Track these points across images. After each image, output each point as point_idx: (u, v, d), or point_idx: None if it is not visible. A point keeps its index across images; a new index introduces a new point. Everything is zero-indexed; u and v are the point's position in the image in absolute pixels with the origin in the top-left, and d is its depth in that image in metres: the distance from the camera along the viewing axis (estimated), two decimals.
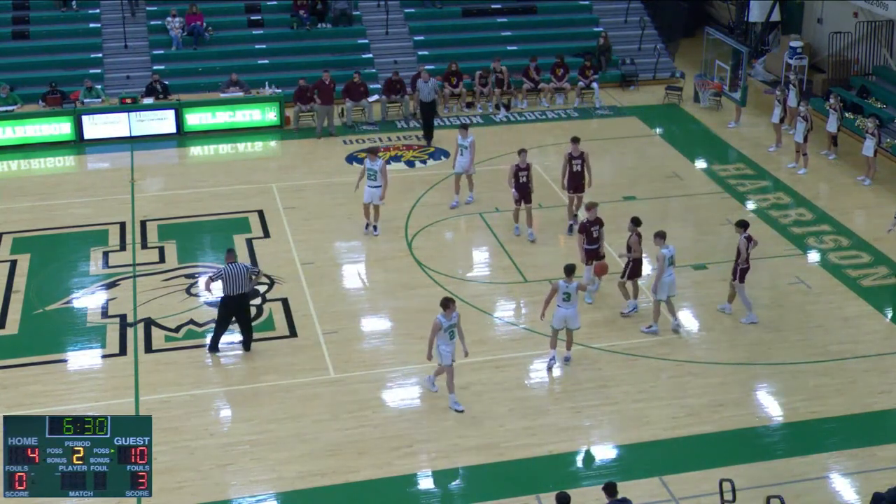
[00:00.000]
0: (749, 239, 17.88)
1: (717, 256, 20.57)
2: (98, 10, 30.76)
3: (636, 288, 18.44)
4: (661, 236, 17.63)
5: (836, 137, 25.51)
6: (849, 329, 18.11)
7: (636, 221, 18.16)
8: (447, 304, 15.48)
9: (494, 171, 24.29)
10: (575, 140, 21.19)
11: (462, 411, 15.67)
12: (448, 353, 15.60)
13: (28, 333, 18.03)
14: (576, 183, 21.02)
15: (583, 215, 19.19)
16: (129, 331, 17.92)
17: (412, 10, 32.31)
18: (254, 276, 17.87)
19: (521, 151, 21.04)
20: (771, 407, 16.09)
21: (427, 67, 29.13)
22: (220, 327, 17.15)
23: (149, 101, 27.07)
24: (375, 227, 21.26)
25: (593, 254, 18.62)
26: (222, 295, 16.86)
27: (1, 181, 24.78)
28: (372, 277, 20.07)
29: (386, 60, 30.42)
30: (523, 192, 20.85)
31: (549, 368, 16.76)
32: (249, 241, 21.12)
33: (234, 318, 17.15)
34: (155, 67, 28.96)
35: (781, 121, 26.08)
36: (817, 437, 15.26)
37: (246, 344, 17.25)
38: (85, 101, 26.77)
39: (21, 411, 15.23)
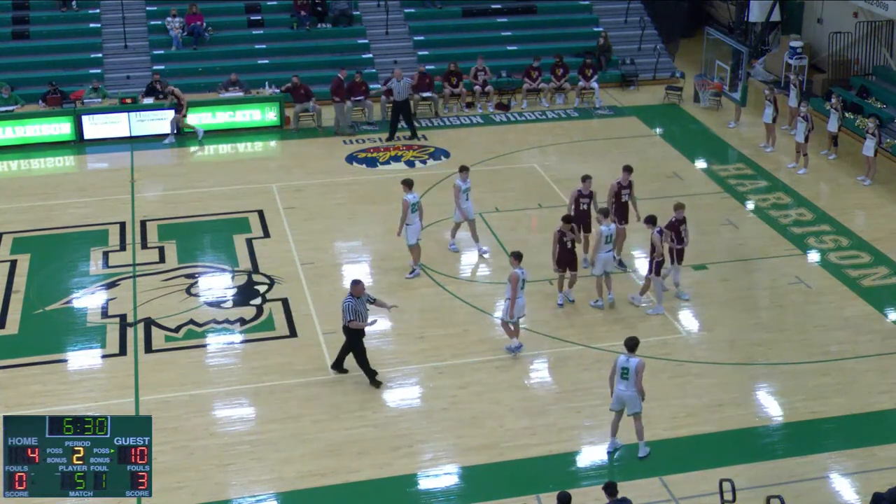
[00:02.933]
0: (661, 232, 18.14)
1: (717, 256, 20.58)
2: (98, 10, 30.77)
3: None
4: (603, 213, 18.42)
5: (837, 137, 25.51)
6: (849, 329, 18.11)
7: (652, 220, 18.25)
8: (519, 256, 16.75)
9: (494, 172, 24.31)
10: (627, 169, 19.71)
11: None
12: (523, 304, 16.86)
13: (28, 333, 18.03)
14: (623, 213, 19.75)
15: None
16: (129, 331, 17.92)
17: (412, 10, 32.32)
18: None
19: (586, 178, 19.60)
20: (771, 407, 16.09)
21: (427, 67, 29.19)
22: (361, 355, 16.41)
23: (149, 101, 27.07)
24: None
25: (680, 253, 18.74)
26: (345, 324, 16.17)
27: (1, 181, 24.78)
28: (372, 277, 20.06)
29: (386, 60, 30.43)
30: (583, 220, 19.42)
31: (610, 453, 15.02)
32: (249, 241, 21.12)
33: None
34: (155, 67, 28.96)
35: (774, 120, 26.08)
36: (817, 437, 15.26)
37: (338, 363, 16.65)
38: (86, 101, 26.76)
39: (21, 411, 15.24)
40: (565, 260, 18.34)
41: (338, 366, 16.64)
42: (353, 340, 16.26)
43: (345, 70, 27.59)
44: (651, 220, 18.27)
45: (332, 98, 27.16)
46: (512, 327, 17.18)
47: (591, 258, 18.52)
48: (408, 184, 19.54)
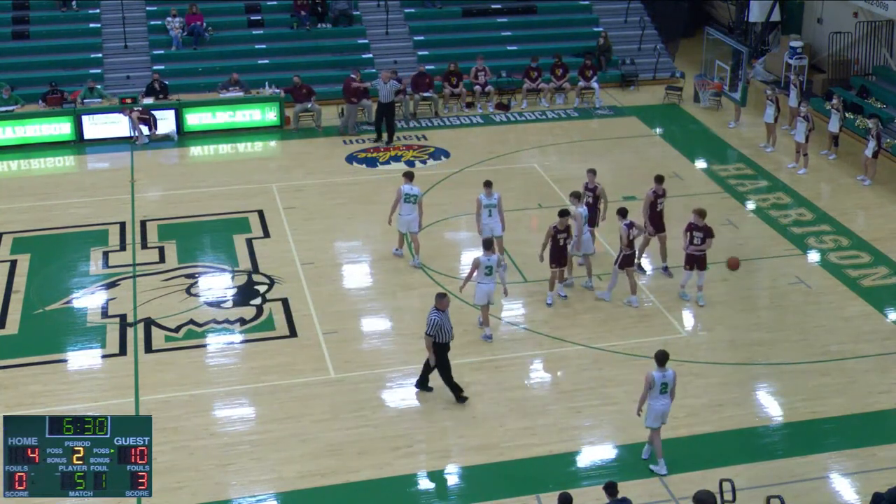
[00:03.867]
0: (629, 226, 18.28)
1: (717, 256, 20.54)
2: (98, 10, 30.78)
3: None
4: (575, 196, 19.09)
5: (838, 138, 25.51)
6: (849, 329, 18.11)
7: (623, 212, 18.52)
8: (488, 245, 17.40)
9: (494, 171, 24.29)
10: (659, 179, 19.64)
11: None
12: (486, 292, 17.35)
13: (28, 333, 18.03)
14: (658, 222, 19.62)
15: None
16: (129, 331, 17.92)
17: (412, 10, 32.32)
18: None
19: (659, 178, 19.62)
20: (771, 407, 16.10)
21: (427, 67, 29.18)
22: (445, 371, 15.97)
23: (149, 101, 27.07)
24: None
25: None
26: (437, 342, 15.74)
27: (1, 181, 24.78)
28: (372, 277, 20.06)
29: (386, 60, 30.42)
30: (658, 222, 19.58)
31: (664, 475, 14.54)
32: (249, 241, 21.13)
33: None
34: (155, 67, 28.96)
35: (775, 120, 26.07)
36: (817, 437, 15.26)
37: (422, 381, 16.23)
38: (85, 101, 26.77)
39: (21, 411, 15.24)
40: (557, 256, 18.40)
41: (422, 383, 16.15)
42: (437, 355, 15.73)
43: (358, 71, 27.51)
44: (621, 213, 18.48)
45: (348, 99, 27.03)
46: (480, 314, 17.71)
47: (577, 242, 18.87)
48: (407, 176, 20.07)
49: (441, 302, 15.66)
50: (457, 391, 15.92)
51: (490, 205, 19.51)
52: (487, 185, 19.69)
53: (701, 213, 18.53)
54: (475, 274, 17.36)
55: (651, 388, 14.09)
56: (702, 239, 18.44)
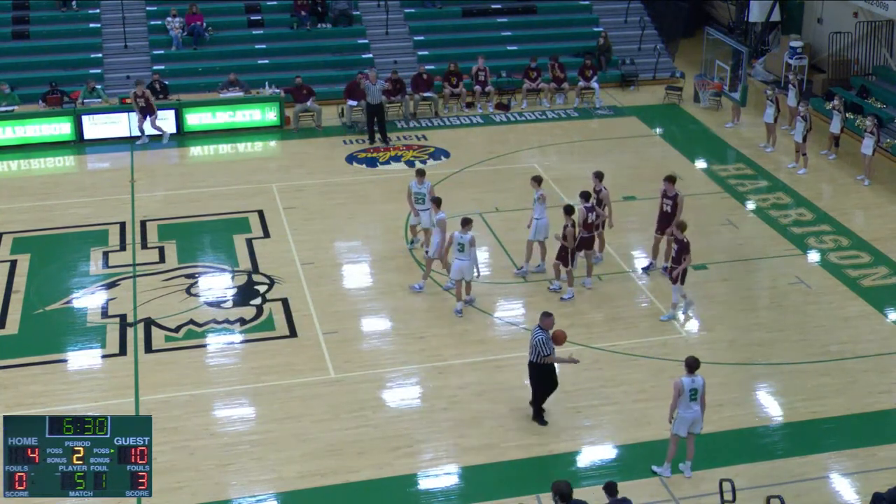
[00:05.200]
0: (589, 209, 18.81)
1: (717, 256, 20.58)
2: (98, 10, 30.77)
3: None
4: (536, 180, 19.49)
5: (839, 138, 25.51)
6: (849, 329, 18.11)
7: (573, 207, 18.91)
8: (465, 222, 17.95)
9: (494, 172, 24.33)
10: (670, 179, 19.45)
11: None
12: (459, 268, 18.03)
13: (28, 333, 18.02)
14: (664, 223, 19.46)
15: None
16: (129, 331, 17.92)
17: (412, 10, 32.32)
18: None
19: (669, 179, 19.43)
20: (771, 407, 16.09)
21: (427, 67, 29.19)
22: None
23: None
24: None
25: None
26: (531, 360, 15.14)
27: (1, 181, 24.78)
28: (372, 277, 20.06)
29: (386, 60, 30.43)
30: (665, 221, 19.42)
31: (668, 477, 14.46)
32: (249, 241, 21.12)
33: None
34: (155, 67, 28.95)
35: (775, 120, 26.08)
36: (817, 437, 15.26)
37: (538, 413, 15.45)
38: (85, 101, 26.77)
39: (21, 411, 15.24)
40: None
41: (539, 415, 15.41)
42: (545, 377, 15.17)
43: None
44: (584, 196, 18.96)
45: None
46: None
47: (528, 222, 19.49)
48: (418, 173, 20.15)
49: (546, 321, 14.97)
50: (540, 414, 15.37)
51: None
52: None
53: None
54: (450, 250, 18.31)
55: (680, 394, 13.86)
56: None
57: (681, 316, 18.29)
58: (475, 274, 18.32)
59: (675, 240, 18.14)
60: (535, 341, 14.97)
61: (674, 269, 17.91)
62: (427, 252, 19.24)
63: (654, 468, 14.40)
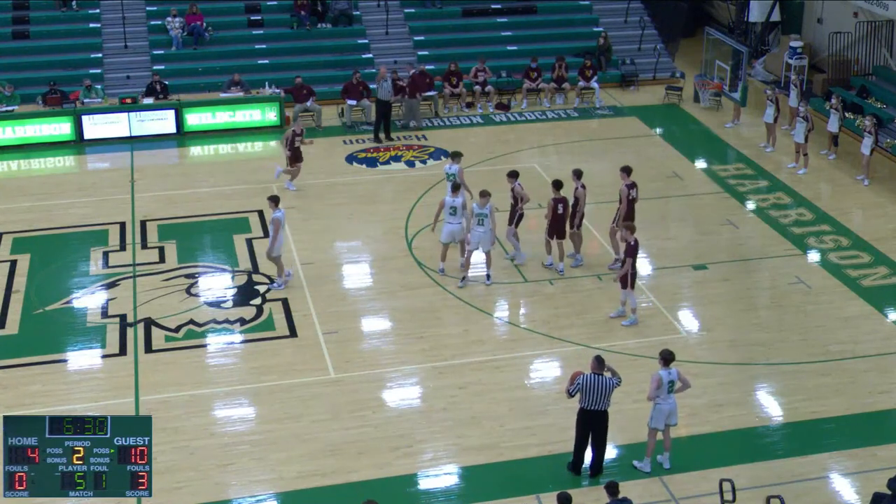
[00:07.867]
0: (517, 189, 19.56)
1: (717, 256, 20.57)
2: (98, 10, 30.76)
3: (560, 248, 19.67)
4: (513, 175, 19.83)
5: (837, 137, 25.51)
6: (849, 329, 18.11)
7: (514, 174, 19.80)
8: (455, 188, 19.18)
9: (494, 171, 24.28)
10: (625, 170, 19.54)
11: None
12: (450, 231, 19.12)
13: (28, 333, 18.02)
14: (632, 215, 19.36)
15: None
16: (129, 331, 17.92)
17: (412, 10, 32.31)
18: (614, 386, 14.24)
19: (626, 169, 19.54)
20: (771, 407, 16.09)
21: (427, 67, 29.19)
22: (580, 447, 14.33)
23: (149, 101, 27.07)
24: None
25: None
26: (579, 407, 14.16)
27: (1, 181, 24.78)
28: (372, 277, 20.06)
29: (386, 60, 30.39)
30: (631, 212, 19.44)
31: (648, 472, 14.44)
32: (249, 241, 21.12)
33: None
34: (155, 67, 28.95)
35: (775, 120, 26.07)
36: (817, 437, 15.26)
37: (595, 466, 14.32)
38: (85, 101, 26.78)
39: (21, 411, 15.22)
40: (557, 228, 19.37)
41: (576, 466, 14.37)
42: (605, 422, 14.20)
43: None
44: (512, 175, 19.79)
45: (412, 94, 27.23)
46: None
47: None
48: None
49: (596, 365, 14.11)
50: (578, 466, 14.35)
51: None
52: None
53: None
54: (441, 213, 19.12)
55: (659, 387, 14.01)
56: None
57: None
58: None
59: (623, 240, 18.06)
60: (611, 387, 13.97)
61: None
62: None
63: (636, 463, 14.46)
